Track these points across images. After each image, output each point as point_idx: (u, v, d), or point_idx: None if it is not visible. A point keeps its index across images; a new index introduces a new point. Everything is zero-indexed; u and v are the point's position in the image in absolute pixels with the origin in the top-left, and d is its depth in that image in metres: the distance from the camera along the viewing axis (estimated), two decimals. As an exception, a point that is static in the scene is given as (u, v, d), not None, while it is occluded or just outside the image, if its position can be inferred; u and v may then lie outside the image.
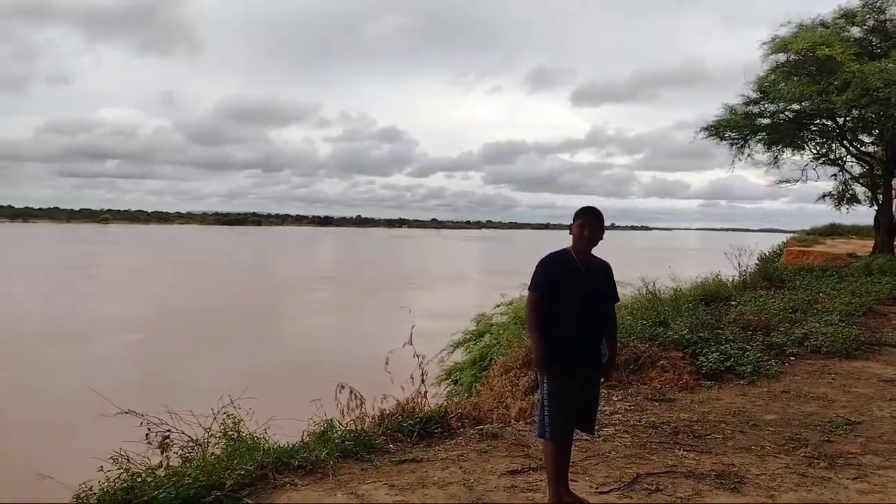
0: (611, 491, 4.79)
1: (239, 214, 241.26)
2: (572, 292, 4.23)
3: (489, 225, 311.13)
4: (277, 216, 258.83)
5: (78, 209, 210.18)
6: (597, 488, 4.83)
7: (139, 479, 4.53)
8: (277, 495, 4.66)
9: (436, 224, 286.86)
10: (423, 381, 7.87)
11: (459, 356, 15.98)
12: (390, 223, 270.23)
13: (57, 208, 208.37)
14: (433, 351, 7.85)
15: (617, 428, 6.32)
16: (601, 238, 4.34)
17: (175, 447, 5.47)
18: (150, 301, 33.99)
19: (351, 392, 7.61)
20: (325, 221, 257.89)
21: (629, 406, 7.12)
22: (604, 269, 4.46)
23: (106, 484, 4.59)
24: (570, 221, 4.38)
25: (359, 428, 6.13)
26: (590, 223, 4.29)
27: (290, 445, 5.54)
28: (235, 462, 4.91)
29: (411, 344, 8.06)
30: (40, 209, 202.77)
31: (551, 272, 4.27)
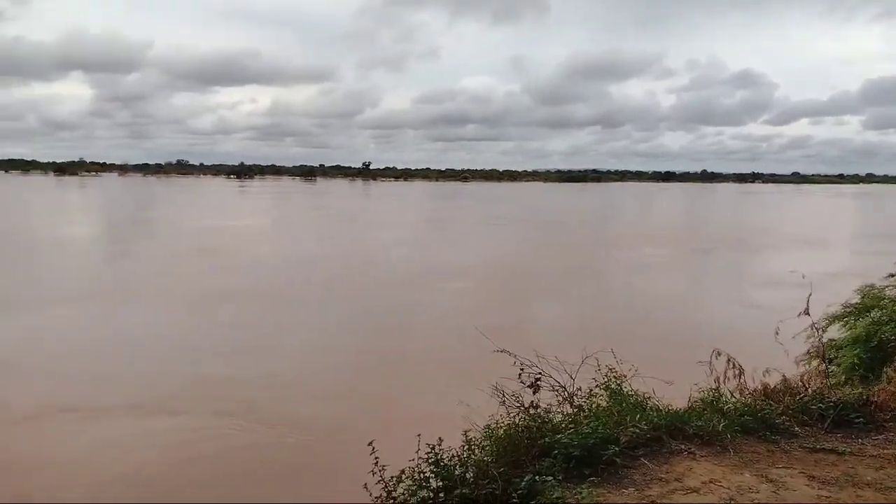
0: None
1: (580, 171, 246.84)
2: None
3: (869, 179, 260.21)
4: (617, 172, 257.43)
5: (444, 169, 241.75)
6: None
7: (537, 420, 4.69)
8: (675, 461, 4.37)
9: (797, 178, 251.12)
10: (824, 360, 6.74)
11: (835, 332, 13.69)
12: (741, 178, 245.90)
13: (428, 168, 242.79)
14: (771, 323, 6.66)
15: None
16: None
17: (545, 388, 5.63)
18: (485, 252, 36.91)
19: (729, 360, 6.93)
20: (667, 177, 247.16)
21: None
22: None
23: (507, 419, 4.88)
24: None
25: (754, 403, 5.47)
26: None
27: (681, 410, 5.20)
28: (628, 419, 4.77)
29: (808, 314, 6.93)
30: (416, 170, 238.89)
31: None
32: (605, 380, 5.71)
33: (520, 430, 4.54)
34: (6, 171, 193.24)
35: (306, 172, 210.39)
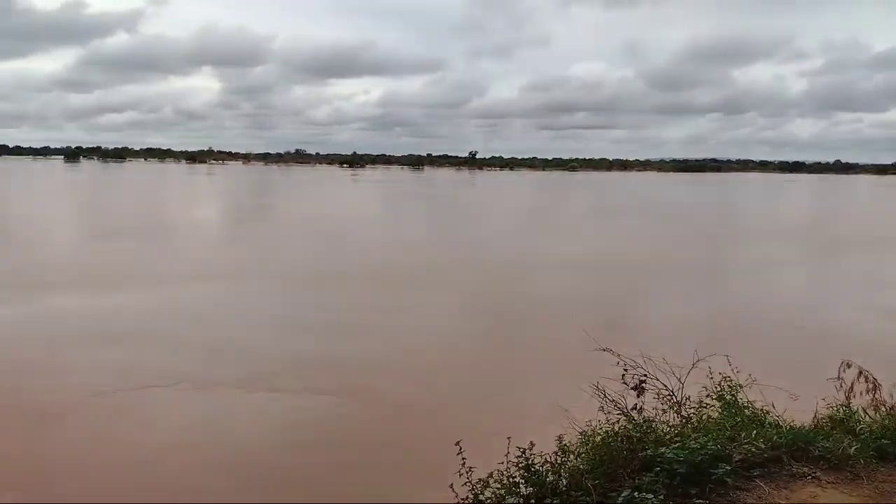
0: None
1: (697, 161, 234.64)
2: None
3: None
4: (738, 162, 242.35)
5: (551, 158, 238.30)
6: None
7: (640, 429, 4.36)
8: (797, 487, 3.91)
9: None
10: None
11: None
12: (881, 169, 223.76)
13: (535, 158, 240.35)
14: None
15: None
16: None
17: (650, 393, 5.24)
18: (591, 244, 35.74)
19: (861, 373, 6.21)
20: (795, 167, 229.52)
21: None
22: None
23: (606, 426, 4.57)
24: None
25: (892, 424, 4.83)
26: None
27: (805, 428, 4.67)
28: (742, 434, 4.34)
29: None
30: (522, 159, 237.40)
31: None
32: (718, 389, 5.26)
33: (619, 438, 4.23)
34: (146, 159, 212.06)
35: (414, 162, 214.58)
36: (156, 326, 16.01)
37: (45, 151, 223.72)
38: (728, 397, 5.13)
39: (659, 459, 3.90)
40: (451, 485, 3.82)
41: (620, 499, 3.52)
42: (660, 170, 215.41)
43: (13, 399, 11.07)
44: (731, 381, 5.29)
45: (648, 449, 4.05)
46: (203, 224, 43.32)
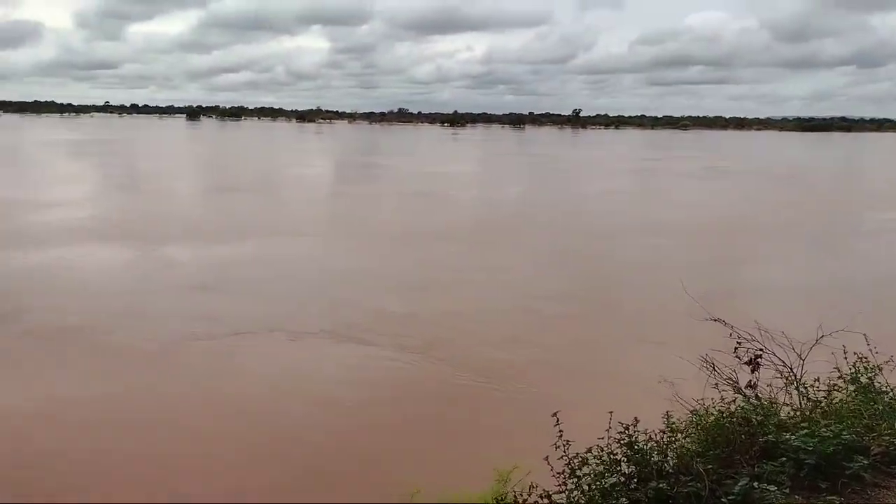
0: None
1: (824, 119, 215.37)
2: None
3: None
4: (873, 121, 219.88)
5: (660, 116, 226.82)
6: None
7: (759, 412, 3.92)
8: (950, 490, 3.37)
9: None
10: None
11: None
12: None
13: (643, 115, 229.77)
14: None
15: None
16: None
17: (767, 368, 4.71)
18: (701, 207, 33.60)
19: None
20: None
21: None
22: None
23: (720, 404, 4.16)
24: None
25: None
26: None
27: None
28: (883, 424, 3.80)
29: None
30: (629, 117, 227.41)
31: None
32: (852, 370, 4.66)
33: (736, 420, 3.82)
34: (259, 118, 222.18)
35: (515, 120, 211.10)
36: (255, 277, 16.76)
37: (169, 110, 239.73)
38: (864, 380, 4.53)
39: (783, 447, 3.48)
40: (547, 457, 3.60)
41: (737, 488, 3.15)
42: (781, 129, 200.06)
43: (115, 340, 11.94)
44: (866, 361, 4.68)
45: (770, 434, 3.63)
46: (309, 180, 44.81)
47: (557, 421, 3.62)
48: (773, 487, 3.12)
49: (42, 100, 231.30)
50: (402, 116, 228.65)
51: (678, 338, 10.78)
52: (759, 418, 3.77)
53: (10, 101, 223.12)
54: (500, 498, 3.88)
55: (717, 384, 4.44)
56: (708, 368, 4.66)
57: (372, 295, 15.38)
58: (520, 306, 14.83)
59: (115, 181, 39.62)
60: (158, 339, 11.99)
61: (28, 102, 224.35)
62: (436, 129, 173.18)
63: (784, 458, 3.37)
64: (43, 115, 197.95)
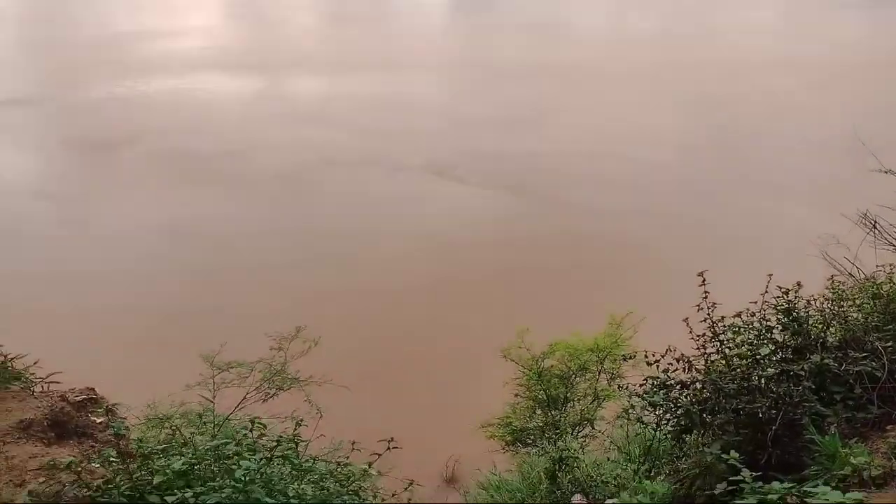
0: None
1: None
2: None
3: None
4: None
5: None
6: None
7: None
8: None
9: None
10: None
11: None
12: None
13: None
14: None
15: None
16: None
17: None
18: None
19: None
20: None
21: None
22: None
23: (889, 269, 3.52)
24: None
25: None
26: None
27: None
28: None
29: None
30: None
31: None
32: None
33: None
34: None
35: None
36: (363, 111, 16.70)
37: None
38: None
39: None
40: (686, 319, 3.22)
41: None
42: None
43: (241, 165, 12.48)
44: None
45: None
46: (422, 14, 42.72)
47: (703, 280, 3.19)
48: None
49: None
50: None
51: (832, 189, 9.64)
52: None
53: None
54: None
55: (877, 245, 3.79)
56: (867, 225, 3.98)
57: (473, 133, 15.06)
58: (632, 152, 13.90)
59: (235, 9, 39.56)
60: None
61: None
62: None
63: None
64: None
